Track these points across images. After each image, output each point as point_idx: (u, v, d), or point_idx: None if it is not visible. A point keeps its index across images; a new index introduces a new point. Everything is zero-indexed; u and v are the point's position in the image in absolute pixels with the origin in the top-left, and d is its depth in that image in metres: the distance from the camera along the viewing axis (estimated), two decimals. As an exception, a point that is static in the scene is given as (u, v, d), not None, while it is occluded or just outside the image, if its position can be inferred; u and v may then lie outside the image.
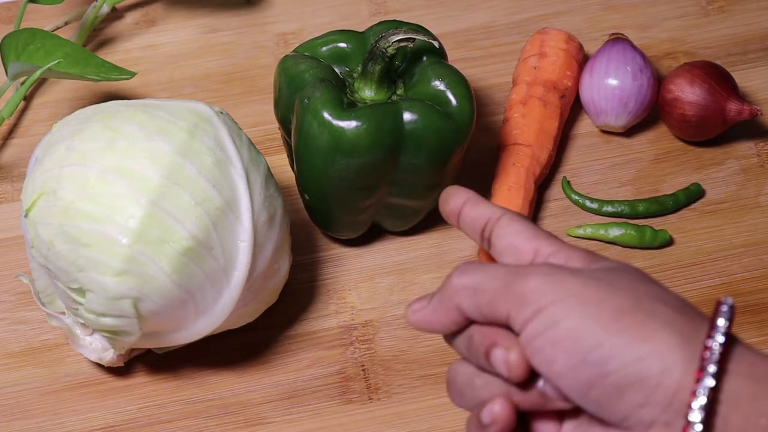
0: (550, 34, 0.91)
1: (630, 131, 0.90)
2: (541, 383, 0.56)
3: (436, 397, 0.77)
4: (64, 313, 0.77)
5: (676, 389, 0.51)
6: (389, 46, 0.76)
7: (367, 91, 0.79)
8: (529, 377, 0.55)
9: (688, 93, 0.86)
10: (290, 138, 0.80)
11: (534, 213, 0.86)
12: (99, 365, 0.79)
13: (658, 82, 0.89)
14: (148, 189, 0.70)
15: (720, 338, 0.52)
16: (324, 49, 0.80)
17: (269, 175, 0.76)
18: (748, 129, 0.90)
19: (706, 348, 0.52)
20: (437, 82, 0.78)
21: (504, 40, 0.97)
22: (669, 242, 0.84)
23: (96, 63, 0.88)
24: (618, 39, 0.90)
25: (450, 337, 0.59)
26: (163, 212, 0.70)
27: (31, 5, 0.99)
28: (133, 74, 0.88)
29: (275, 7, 1.00)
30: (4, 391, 0.79)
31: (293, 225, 0.84)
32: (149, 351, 0.79)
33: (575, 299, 0.53)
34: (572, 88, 0.89)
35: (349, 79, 0.80)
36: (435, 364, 0.79)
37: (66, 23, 0.98)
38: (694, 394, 0.51)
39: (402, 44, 0.76)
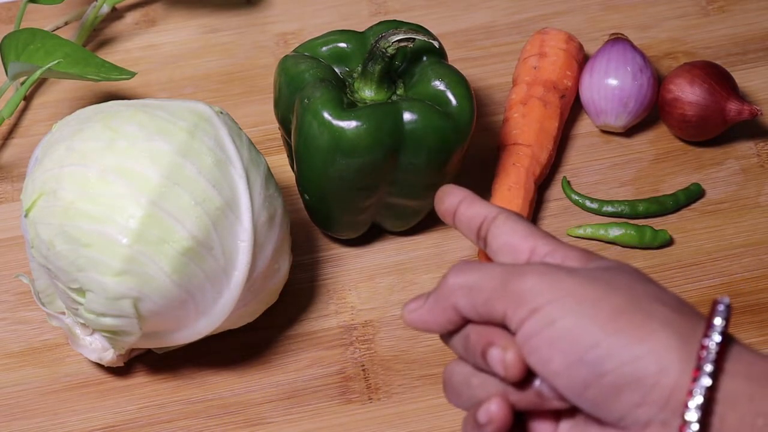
0: (550, 34, 0.91)
1: (630, 131, 0.90)
2: (537, 383, 0.56)
3: (436, 397, 0.77)
4: (64, 313, 0.77)
5: (672, 388, 0.51)
6: (389, 46, 0.76)
7: (367, 91, 0.79)
8: (526, 377, 0.55)
9: (688, 93, 0.86)
10: (290, 138, 0.80)
11: (534, 213, 0.86)
12: (99, 365, 0.79)
13: (658, 82, 0.89)
14: (148, 189, 0.70)
15: (717, 337, 0.52)
16: (324, 49, 0.80)
17: (269, 175, 0.76)
18: (748, 129, 0.90)
19: (703, 347, 0.52)
20: (437, 82, 0.78)
21: (504, 40, 0.97)
22: (669, 242, 0.84)
23: (96, 63, 0.88)
24: (618, 39, 0.90)
25: (446, 336, 0.59)
26: (163, 212, 0.70)
27: (31, 5, 0.99)
28: (133, 74, 0.88)
29: (275, 7, 1.00)
30: (4, 391, 0.79)
31: (293, 225, 0.84)
32: (149, 351, 0.79)
33: (572, 298, 0.53)
34: (572, 88, 0.89)
35: (349, 79, 0.80)
36: (435, 364, 0.79)
37: (66, 23, 0.98)
38: (690, 394, 0.51)
39: (402, 44, 0.76)
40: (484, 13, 0.98)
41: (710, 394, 0.51)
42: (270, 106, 0.86)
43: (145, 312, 0.71)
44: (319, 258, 0.84)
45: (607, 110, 0.88)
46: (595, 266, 0.56)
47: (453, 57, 0.94)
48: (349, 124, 0.75)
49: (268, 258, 0.74)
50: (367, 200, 0.80)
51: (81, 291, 0.71)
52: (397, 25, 0.80)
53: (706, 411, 0.51)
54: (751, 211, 0.86)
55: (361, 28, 0.83)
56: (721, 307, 0.53)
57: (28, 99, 0.95)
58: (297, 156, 0.79)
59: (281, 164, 0.88)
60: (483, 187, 0.86)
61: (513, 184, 0.84)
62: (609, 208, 0.85)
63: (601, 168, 0.89)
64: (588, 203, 0.86)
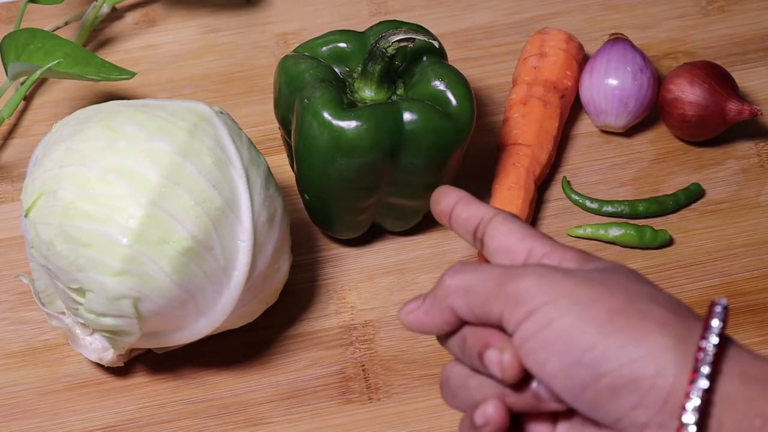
0: (550, 34, 0.91)
1: (630, 131, 0.90)
2: (534, 384, 0.56)
3: (435, 397, 0.77)
4: (64, 313, 0.77)
5: (670, 391, 0.51)
6: (389, 46, 0.76)
7: (367, 91, 0.79)
8: (523, 378, 0.55)
9: (688, 93, 0.86)
10: (290, 138, 0.80)
11: (534, 213, 0.86)
12: (99, 365, 0.79)
13: (658, 82, 0.89)
14: (148, 189, 0.70)
15: (714, 339, 0.52)
16: (324, 49, 0.80)
17: (269, 175, 0.76)
18: (748, 129, 0.90)
19: (700, 349, 0.51)
20: (437, 82, 0.78)
21: (504, 40, 0.97)
22: (669, 242, 0.84)
23: (96, 63, 0.88)
24: (618, 39, 0.90)
25: (443, 338, 0.59)
26: (163, 212, 0.70)
27: (31, 5, 0.99)
28: (133, 74, 0.88)
29: (275, 7, 1.00)
30: (4, 391, 0.79)
31: (293, 225, 0.84)
32: (149, 351, 0.79)
33: (568, 300, 0.53)
34: (572, 88, 0.89)
35: (349, 79, 0.80)
36: (435, 364, 0.79)
37: (66, 23, 0.98)
38: (687, 396, 0.51)
39: (402, 44, 0.76)
40: (484, 13, 0.98)
41: (707, 396, 0.51)
42: (270, 106, 0.86)
43: (145, 312, 0.71)
44: (319, 258, 0.84)
45: (607, 110, 0.88)
46: (592, 267, 0.56)
47: (453, 57, 0.94)
48: (349, 124, 0.75)
49: (268, 258, 0.74)
50: (367, 200, 0.80)
51: (81, 291, 0.71)
52: (397, 25, 0.80)
53: (704, 413, 0.51)
54: (751, 211, 0.86)
55: (361, 28, 0.83)
56: (718, 309, 0.53)
57: (28, 99, 0.95)
58: (297, 156, 0.79)
59: (281, 164, 0.88)
60: (483, 187, 0.86)
61: (513, 184, 0.84)
62: (609, 208, 0.85)
63: (601, 168, 0.89)
64: (588, 203, 0.86)
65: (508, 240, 0.59)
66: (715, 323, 0.52)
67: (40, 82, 0.95)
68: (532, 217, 0.86)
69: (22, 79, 0.92)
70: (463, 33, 0.97)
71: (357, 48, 0.80)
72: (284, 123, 0.81)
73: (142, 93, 0.94)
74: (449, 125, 0.77)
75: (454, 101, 0.78)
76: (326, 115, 0.76)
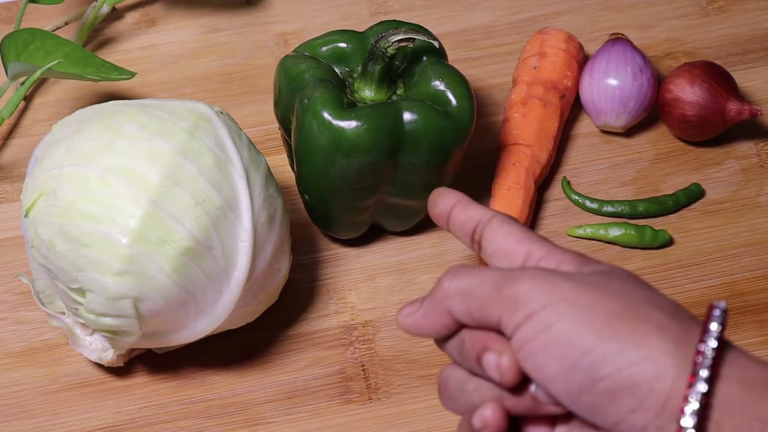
0: (550, 34, 0.91)
1: (630, 131, 0.90)
2: (533, 388, 0.55)
3: (435, 397, 0.77)
4: (64, 313, 0.77)
5: (668, 394, 0.51)
6: (389, 46, 0.76)
7: (367, 91, 0.79)
8: (521, 382, 0.55)
9: (688, 93, 0.86)
10: (290, 138, 0.80)
11: (534, 213, 0.86)
12: (99, 365, 0.79)
13: (658, 82, 0.89)
14: (148, 189, 0.70)
15: (713, 343, 0.52)
16: (324, 49, 0.80)
17: (269, 175, 0.76)
18: (748, 129, 0.90)
19: (699, 353, 0.51)
20: (437, 82, 0.78)
21: (504, 40, 0.97)
22: (669, 242, 0.84)
23: (96, 63, 0.88)
24: (618, 39, 0.90)
25: (441, 341, 0.59)
26: (163, 212, 0.70)
27: (31, 5, 0.99)
28: (133, 74, 0.88)
29: (275, 7, 1.00)
30: (4, 391, 0.79)
31: (293, 225, 0.84)
32: (149, 351, 0.79)
33: (567, 303, 0.53)
34: (572, 88, 0.89)
35: (349, 79, 0.80)
36: (435, 364, 0.79)
37: (66, 23, 0.98)
38: (686, 399, 0.51)
39: (402, 44, 0.76)
40: (484, 13, 0.98)
41: (706, 399, 0.51)
42: (270, 106, 0.86)
43: (145, 312, 0.71)
44: (319, 258, 0.84)
45: (607, 110, 0.88)
46: (590, 270, 0.56)
47: (453, 57, 0.94)
48: (349, 124, 0.75)
49: (268, 258, 0.74)
50: (367, 200, 0.80)
51: (81, 291, 0.71)
52: (397, 25, 0.80)
53: (703, 417, 0.51)
54: (751, 211, 0.86)
55: (361, 28, 0.83)
56: (717, 312, 0.53)
57: (28, 99, 0.95)
58: (297, 156, 0.79)
59: (281, 164, 0.88)
60: (483, 187, 0.86)
61: (513, 184, 0.84)
62: (609, 208, 0.85)
63: (601, 168, 0.89)
64: (588, 203, 0.86)
65: (506, 242, 0.59)
66: (714, 327, 0.52)
67: (40, 82, 0.95)
68: (532, 217, 0.86)
69: (22, 79, 0.92)
70: (463, 33, 0.97)
71: (357, 48, 0.80)
72: (284, 123, 0.81)
73: (142, 93, 0.94)
74: (449, 125, 0.77)
75: (454, 101, 0.78)
76: (326, 115, 0.76)
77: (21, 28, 0.91)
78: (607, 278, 0.55)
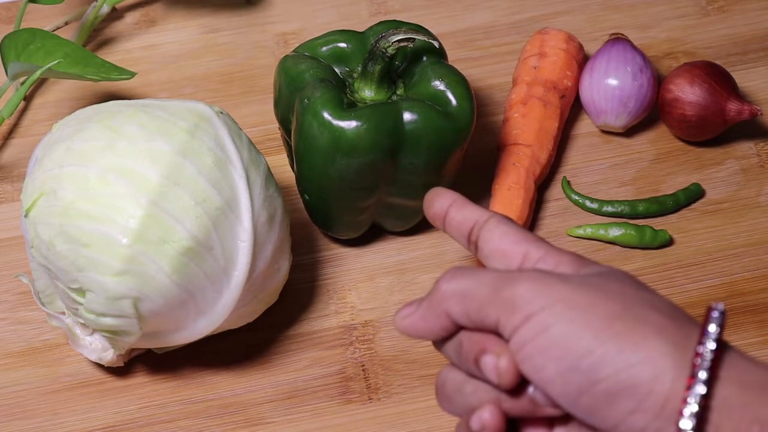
0: (550, 34, 0.91)
1: (630, 131, 0.90)
2: (531, 389, 0.55)
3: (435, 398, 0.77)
4: (64, 313, 0.77)
5: (667, 396, 0.51)
6: (389, 46, 0.76)
7: (367, 91, 0.79)
8: (519, 384, 0.55)
9: (688, 93, 0.86)
10: (290, 138, 0.80)
11: (534, 213, 0.86)
12: (99, 365, 0.79)
13: (658, 82, 0.89)
14: (148, 189, 0.70)
15: (711, 345, 0.52)
16: (324, 49, 0.80)
17: (269, 175, 0.76)
18: (748, 129, 0.90)
19: (697, 355, 0.51)
20: (437, 82, 0.78)
21: (504, 40, 0.97)
22: (669, 242, 0.84)
23: (96, 63, 0.88)
24: (618, 39, 0.90)
25: (439, 343, 0.59)
26: (163, 212, 0.70)
27: (31, 5, 0.99)
28: (133, 74, 0.88)
29: (275, 7, 1.00)
30: (4, 391, 0.79)
31: (293, 225, 0.84)
32: (149, 351, 0.79)
33: (565, 305, 0.53)
34: (572, 88, 0.89)
35: (349, 79, 0.80)
36: (435, 364, 0.79)
37: (66, 23, 0.98)
38: (685, 402, 0.51)
39: (402, 44, 0.76)
40: (484, 13, 0.98)
41: (705, 401, 0.51)
42: (270, 106, 0.86)
43: (145, 312, 0.71)
44: (319, 258, 0.84)
45: (607, 110, 0.88)
46: (588, 272, 0.56)
47: (453, 57, 0.94)
48: (349, 124, 0.75)
49: (268, 258, 0.74)
50: (367, 200, 0.80)
51: (81, 291, 0.71)
52: (397, 25, 0.80)
53: (701, 419, 0.51)
54: (751, 211, 0.86)
55: (361, 28, 0.83)
56: (715, 314, 0.53)
57: (28, 99, 0.95)
58: (297, 156, 0.79)
59: (281, 164, 0.88)
60: (483, 187, 0.86)
61: (513, 184, 0.84)
62: (609, 208, 0.85)
63: (601, 168, 0.89)
64: (588, 203, 0.86)
65: (503, 243, 0.59)
66: (712, 329, 0.52)
67: (40, 82, 0.95)
68: (532, 217, 0.86)
69: (22, 79, 0.92)
70: (463, 33, 0.97)
71: (357, 48, 0.80)
72: (284, 123, 0.81)
73: (142, 93, 0.94)
74: (449, 125, 0.77)
75: (454, 101, 0.78)
76: (326, 115, 0.76)
77: (21, 28, 0.91)
78: (605, 280, 0.55)
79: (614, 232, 0.84)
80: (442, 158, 0.78)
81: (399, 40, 0.76)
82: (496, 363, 0.55)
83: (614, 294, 0.54)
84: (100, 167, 0.70)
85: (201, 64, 0.96)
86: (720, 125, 0.87)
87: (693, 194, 0.86)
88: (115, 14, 1.00)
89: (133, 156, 0.71)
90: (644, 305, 0.54)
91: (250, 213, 0.72)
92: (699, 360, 0.51)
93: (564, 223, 0.86)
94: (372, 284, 0.83)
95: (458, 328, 0.57)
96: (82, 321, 0.75)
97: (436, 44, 0.79)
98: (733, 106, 0.85)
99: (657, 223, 0.85)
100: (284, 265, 0.77)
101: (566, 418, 0.56)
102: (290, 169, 0.85)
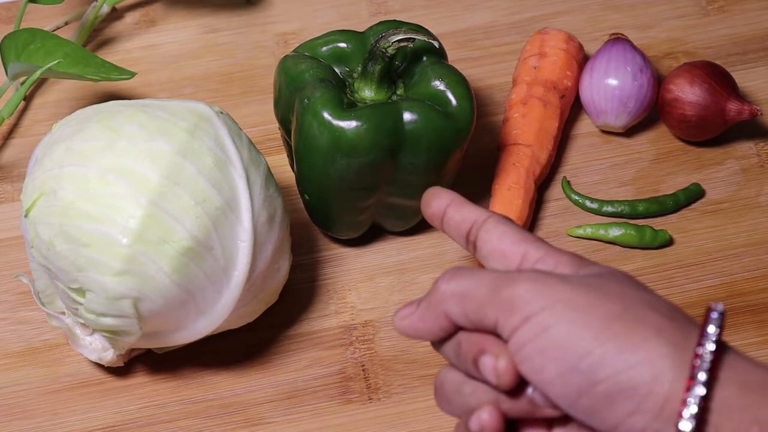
0: (550, 34, 0.91)
1: (630, 131, 0.90)
2: (530, 390, 0.55)
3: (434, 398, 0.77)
4: (64, 313, 0.77)
5: (667, 397, 0.51)
6: (389, 46, 0.76)
7: (367, 91, 0.79)
8: (518, 384, 0.55)
9: (688, 93, 0.86)
10: (290, 138, 0.80)
11: (534, 213, 0.86)
12: (99, 365, 0.79)
13: (658, 82, 0.89)
14: (148, 189, 0.70)
15: (710, 346, 0.52)
16: (324, 49, 0.80)
17: (269, 175, 0.76)
18: (748, 129, 0.90)
19: (697, 356, 0.51)
20: (437, 82, 0.78)
21: (504, 40, 0.97)
22: (669, 242, 0.84)
23: (96, 63, 0.88)
24: (618, 39, 0.90)
25: (438, 343, 0.59)
26: (163, 212, 0.70)
27: (31, 5, 0.99)
28: (133, 74, 0.88)
29: (275, 7, 1.00)
30: (4, 391, 0.79)
31: (293, 225, 0.84)
32: (149, 351, 0.79)
33: (564, 306, 0.53)
34: (572, 88, 0.89)
35: (349, 79, 0.80)
36: (435, 364, 0.79)
37: (66, 23, 0.98)
38: (684, 403, 0.50)
39: (402, 44, 0.76)
40: (484, 13, 0.98)
41: (704, 403, 0.50)
42: (270, 106, 0.86)
43: (145, 312, 0.71)
44: (319, 258, 0.84)
45: (607, 110, 0.88)
46: (587, 272, 0.56)
47: (453, 57, 0.94)
48: (349, 124, 0.75)
49: (268, 258, 0.74)
50: (367, 200, 0.80)
51: (81, 291, 0.71)
52: (397, 25, 0.80)
53: (701, 420, 0.50)
54: (751, 211, 0.86)
55: (361, 28, 0.83)
56: (714, 315, 0.53)
57: (28, 99, 0.95)
58: (297, 156, 0.79)
59: (281, 164, 0.88)
60: (483, 187, 0.86)
61: (513, 184, 0.84)
62: (609, 208, 0.85)
63: (601, 168, 0.89)
64: (588, 203, 0.86)
65: (502, 243, 0.58)
66: (712, 329, 0.52)
67: (40, 82, 0.95)
68: (532, 217, 0.86)
69: (22, 79, 0.92)
70: (463, 33, 0.97)
71: (357, 48, 0.80)
72: (284, 123, 0.81)
73: (142, 93, 0.94)
74: (449, 125, 0.77)
75: (454, 101, 0.78)
76: (326, 115, 0.76)
77: (21, 28, 0.91)
78: (605, 280, 0.55)
79: (614, 232, 0.84)
80: (442, 158, 0.78)
81: (399, 40, 0.76)
82: (494, 364, 0.55)
83: (613, 294, 0.54)
84: (100, 167, 0.70)
85: (201, 64, 0.96)
86: (720, 125, 0.87)
87: (693, 194, 0.86)
88: (115, 14, 1.00)
89: (133, 156, 0.71)
90: (643, 306, 0.54)
91: (250, 213, 0.72)
92: (698, 361, 0.51)
93: (564, 223, 0.86)
94: (372, 284, 0.83)
95: (457, 329, 0.57)
96: (82, 321, 0.75)
97: (436, 44, 0.79)
98: (733, 106, 0.85)
99: (657, 223, 0.85)
100: (284, 265, 0.77)
101: (565, 419, 0.56)
102: (290, 169, 0.85)
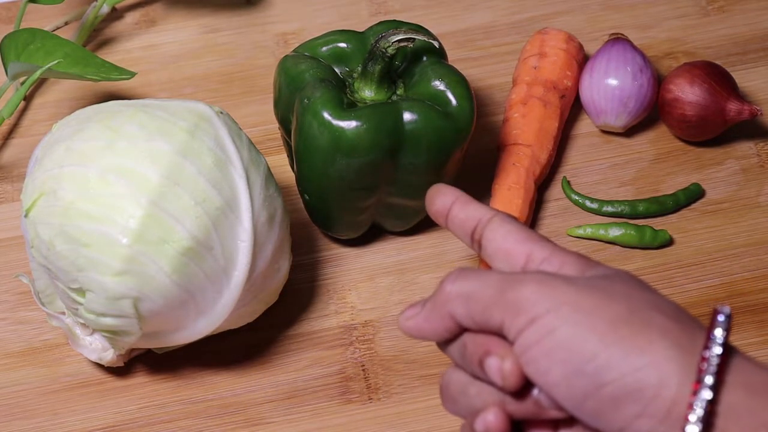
0: (550, 34, 0.91)
1: (630, 131, 0.90)
2: (535, 392, 0.55)
3: (435, 397, 0.77)
4: (64, 313, 0.77)
5: (673, 400, 0.51)
6: (389, 46, 0.76)
7: (367, 91, 0.79)
8: (524, 386, 0.55)
9: (688, 93, 0.86)
10: (290, 138, 0.80)
11: (534, 213, 0.86)
12: (99, 365, 0.79)
13: (658, 82, 0.89)
14: (148, 189, 0.70)
15: (717, 350, 0.51)
16: (324, 49, 0.80)
17: (269, 175, 0.76)
18: (748, 129, 0.90)
19: (703, 359, 0.51)
20: (437, 82, 0.78)
21: (504, 40, 0.97)
22: (669, 242, 0.84)
23: (96, 63, 0.88)
24: (618, 39, 0.90)
25: (443, 344, 0.59)
26: (163, 212, 0.70)
27: (31, 5, 0.99)
28: (133, 74, 0.88)
29: (275, 7, 1.00)
30: (4, 391, 0.79)
31: (293, 225, 0.84)
32: (149, 351, 0.79)
33: (570, 308, 0.53)
34: (572, 88, 0.89)
35: (349, 79, 0.80)
36: (435, 364, 0.79)
37: (66, 23, 0.98)
38: (691, 407, 0.50)
39: (402, 44, 0.76)
40: (484, 13, 0.98)
41: (711, 407, 0.50)
42: (270, 106, 0.86)
43: (145, 312, 0.71)
44: (319, 258, 0.84)
45: (607, 110, 0.88)
46: (593, 274, 0.56)
47: (453, 57, 0.94)
48: (349, 124, 0.75)
49: (268, 258, 0.74)
50: (367, 200, 0.80)
51: (81, 291, 0.71)
52: (397, 25, 0.80)
53: (707, 424, 0.50)
54: (751, 211, 0.86)
55: (361, 28, 0.83)
56: (721, 318, 0.53)
57: (28, 99, 0.95)
58: (297, 156, 0.79)
59: (281, 164, 0.88)
60: (483, 187, 0.86)
61: (513, 184, 0.84)
62: (609, 208, 0.85)
63: (601, 168, 0.89)
64: (588, 203, 0.86)
65: (507, 243, 0.58)
66: (718, 332, 0.52)
67: (40, 82, 0.95)
68: (532, 217, 0.86)
69: (22, 79, 0.92)
70: (463, 33, 0.97)
71: (357, 48, 0.80)
72: (284, 123, 0.81)
73: (142, 93, 0.94)
74: (449, 125, 0.77)
75: (454, 101, 0.78)
76: (326, 115, 0.76)
77: (21, 28, 0.91)
78: (610, 281, 0.55)
79: (614, 232, 0.84)
80: (442, 158, 0.78)
81: (399, 40, 0.76)
82: (500, 365, 0.54)
83: (619, 296, 0.54)
84: (100, 167, 0.70)
85: (201, 64, 0.96)
86: (720, 125, 0.87)
87: (693, 194, 0.86)
88: (115, 14, 1.00)
89: (133, 156, 0.71)
90: (649, 307, 0.53)
91: (250, 213, 0.72)
92: (705, 365, 0.51)
93: (564, 223, 0.86)
94: (372, 284, 0.83)
95: (462, 330, 0.57)
96: (82, 321, 0.75)
97: (436, 44, 0.79)
98: (733, 106, 0.85)
99: (657, 223, 0.85)
100: (284, 265, 0.77)
101: (571, 420, 0.56)
102: (290, 169, 0.85)
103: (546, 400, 0.55)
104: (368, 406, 0.77)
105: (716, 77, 0.86)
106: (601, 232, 0.84)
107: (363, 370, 0.79)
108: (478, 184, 0.86)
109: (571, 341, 0.52)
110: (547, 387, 0.53)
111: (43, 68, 0.84)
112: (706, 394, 0.50)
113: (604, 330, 0.52)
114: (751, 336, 0.80)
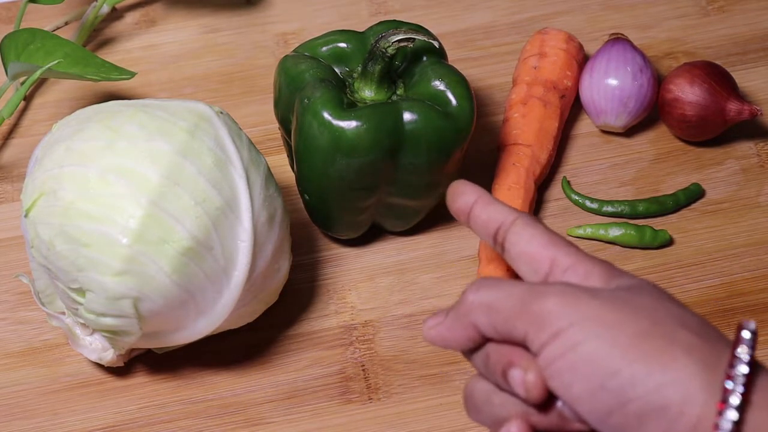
0: (550, 34, 0.91)
1: (630, 131, 0.90)
2: (559, 404, 0.55)
3: (436, 397, 0.77)
4: (64, 313, 0.77)
5: (699, 417, 0.50)
6: (389, 46, 0.76)
7: (367, 91, 0.79)
8: (548, 398, 0.54)
9: (688, 93, 0.86)
10: (290, 138, 0.80)
11: (534, 213, 0.86)
12: (99, 365, 0.79)
13: (658, 82, 0.89)
14: (148, 189, 0.70)
15: (743, 369, 0.50)
16: (324, 49, 0.80)
17: (269, 175, 0.76)
18: (748, 129, 0.90)
19: (729, 377, 0.50)
20: (437, 82, 0.78)
21: (504, 40, 0.97)
22: (669, 242, 0.84)
23: (96, 63, 0.88)
24: (618, 39, 0.90)
25: (468, 353, 0.58)
26: (163, 212, 0.70)
27: (31, 5, 0.99)
28: (133, 74, 0.88)
29: (275, 7, 1.00)
30: (4, 391, 0.79)
31: (293, 225, 0.84)
32: (149, 351, 0.79)
33: (594, 322, 0.52)
34: (572, 88, 0.89)
35: (349, 79, 0.80)
36: (435, 364, 0.79)
37: (66, 23, 0.98)
38: (716, 427, 0.50)
39: (402, 44, 0.76)
40: (484, 13, 0.98)
41: (737, 427, 0.50)
42: (270, 106, 0.86)
43: (145, 312, 0.71)
44: (319, 258, 0.84)
45: (607, 110, 0.88)
46: (618, 285, 0.55)
47: (453, 57, 0.94)
48: (349, 124, 0.75)
49: (268, 258, 0.74)
50: (367, 200, 0.80)
51: (81, 291, 0.71)
52: (397, 25, 0.80)
53: None
54: (751, 211, 0.86)
55: (361, 28, 0.83)
56: (747, 335, 0.52)
57: (28, 99, 0.95)
58: (297, 156, 0.79)
59: (281, 164, 0.88)
60: (483, 187, 0.86)
61: (513, 184, 0.84)
62: (609, 208, 0.85)
63: (601, 168, 0.89)
64: (588, 203, 0.86)
65: (531, 247, 0.58)
66: (743, 350, 0.51)
67: (40, 82, 0.95)
68: (532, 217, 0.86)
69: (22, 79, 0.92)
70: (463, 33, 0.97)
71: (357, 48, 0.80)
72: (284, 123, 0.81)
73: (142, 93, 0.94)
74: (449, 125, 0.77)
75: (454, 101, 0.78)
76: (326, 115, 0.76)
77: (21, 28, 0.91)
78: (634, 294, 0.54)
79: (614, 232, 0.84)
80: (442, 158, 0.78)
81: (399, 40, 0.76)
82: (523, 377, 0.54)
83: (643, 310, 0.53)
84: (100, 167, 0.70)
85: (201, 64, 0.96)
86: (720, 125, 0.87)
87: (693, 194, 0.86)
88: (115, 14, 1.00)
89: (133, 156, 0.71)
90: (673, 322, 0.53)
91: (250, 213, 0.72)
92: (731, 384, 0.50)
93: (564, 223, 0.86)
94: (372, 284, 0.83)
95: (486, 339, 0.57)
96: (82, 321, 0.75)
97: (436, 44, 0.79)
98: (733, 106, 0.85)
99: (657, 223, 0.85)
100: (284, 265, 0.77)
101: None
102: (290, 169, 0.85)
103: (570, 412, 0.54)
104: (368, 406, 0.77)
105: (716, 77, 0.86)
106: (601, 232, 0.84)
107: (363, 370, 0.79)
108: (479, 184, 0.86)
109: (594, 356, 0.52)
110: (570, 401, 0.53)
111: (43, 68, 0.84)
112: (732, 415, 0.49)
113: (627, 345, 0.51)
114: (751, 336, 0.79)
